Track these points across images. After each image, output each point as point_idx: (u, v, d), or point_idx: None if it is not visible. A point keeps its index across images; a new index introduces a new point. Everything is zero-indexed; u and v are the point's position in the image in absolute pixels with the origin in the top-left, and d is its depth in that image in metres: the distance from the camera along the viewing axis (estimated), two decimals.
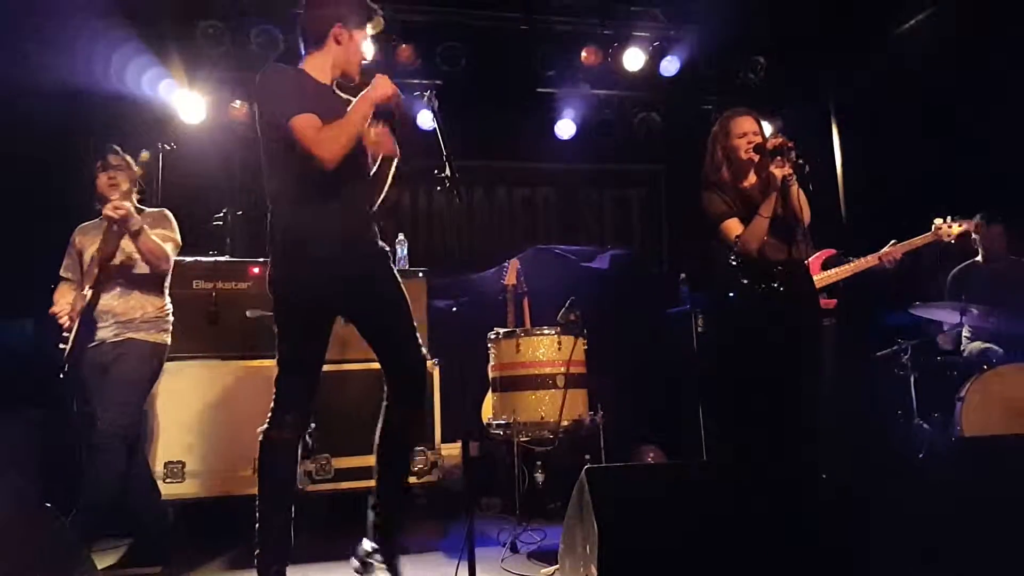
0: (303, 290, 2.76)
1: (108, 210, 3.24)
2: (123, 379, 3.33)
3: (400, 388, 2.92)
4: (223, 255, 4.54)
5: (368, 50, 3.23)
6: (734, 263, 3.29)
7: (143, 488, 3.48)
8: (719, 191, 3.36)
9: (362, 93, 2.80)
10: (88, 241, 3.52)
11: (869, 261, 4.03)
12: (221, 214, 4.77)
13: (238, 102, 5.58)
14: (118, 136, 4.75)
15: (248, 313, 4.21)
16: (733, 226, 3.28)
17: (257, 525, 2.75)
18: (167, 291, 3.61)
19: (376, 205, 3.02)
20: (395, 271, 2.96)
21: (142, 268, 3.44)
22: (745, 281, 3.27)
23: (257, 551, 2.73)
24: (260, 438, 2.81)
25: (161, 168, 4.99)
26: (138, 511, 3.43)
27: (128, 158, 3.52)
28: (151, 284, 3.51)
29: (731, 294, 3.31)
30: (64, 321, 3.37)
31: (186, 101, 5.39)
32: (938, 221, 4.06)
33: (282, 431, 2.78)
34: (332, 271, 2.74)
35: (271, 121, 2.73)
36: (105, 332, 3.39)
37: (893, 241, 4.06)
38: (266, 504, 2.76)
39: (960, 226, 4.06)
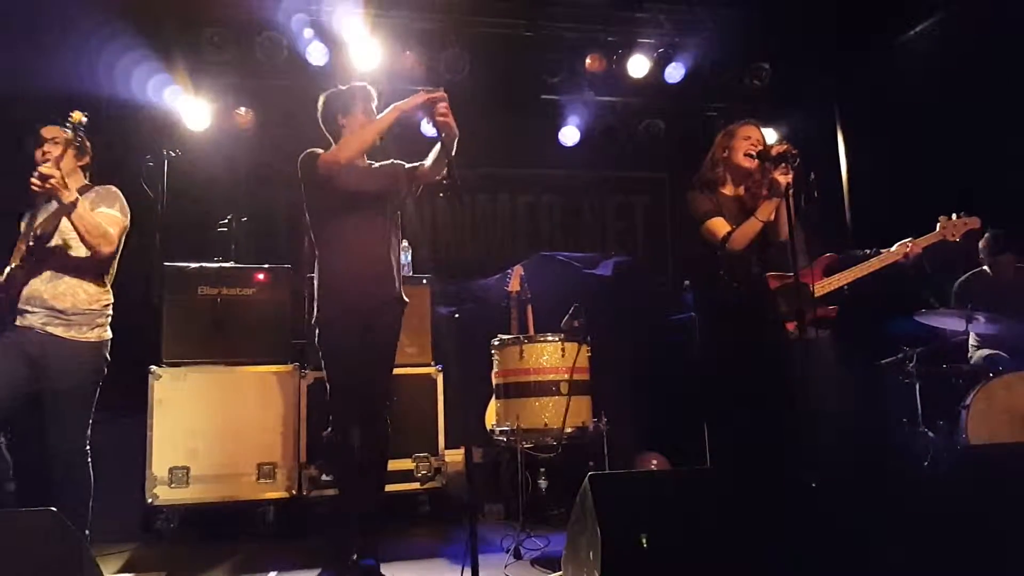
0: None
1: (33, 179, 2.86)
2: (72, 394, 3.06)
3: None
4: (228, 261, 4.56)
5: (375, 55, 3.44)
6: (720, 265, 3.29)
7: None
8: (707, 190, 3.37)
9: (394, 104, 3.08)
10: (28, 218, 3.23)
11: (888, 258, 3.91)
12: (226, 220, 4.79)
13: (242, 108, 5.61)
14: (123, 142, 4.80)
15: None
16: (719, 224, 3.27)
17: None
18: (108, 280, 3.23)
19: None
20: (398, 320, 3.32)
21: (80, 251, 3.08)
22: (735, 284, 3.27)
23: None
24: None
25: (166, 174, 5.03)
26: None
27: (63, 127, 3.10)
28: (87, 270, 3.12)
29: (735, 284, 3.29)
30: None
31: (191, 108, 5.41)
32: (943, 219, 4.01)
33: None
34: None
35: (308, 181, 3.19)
36: (33, 319, 3.05)
37: (908, 239, 3.99)
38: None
39: (965, 224, 4.00)
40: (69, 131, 3.07)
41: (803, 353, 3.18)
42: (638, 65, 5.99)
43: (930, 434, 4.40)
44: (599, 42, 6.00)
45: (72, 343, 3.06)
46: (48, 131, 3.12)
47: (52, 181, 2.84)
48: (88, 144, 3.22)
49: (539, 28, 5.89)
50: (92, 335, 3.12)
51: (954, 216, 3.96)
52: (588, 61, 5.95)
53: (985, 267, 4.84)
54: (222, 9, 5.33)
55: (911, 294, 4.63)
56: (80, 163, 3.21)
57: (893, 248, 3.91)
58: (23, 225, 3.25)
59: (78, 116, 3.06)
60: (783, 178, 3.13)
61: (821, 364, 3.66)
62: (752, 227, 3.19)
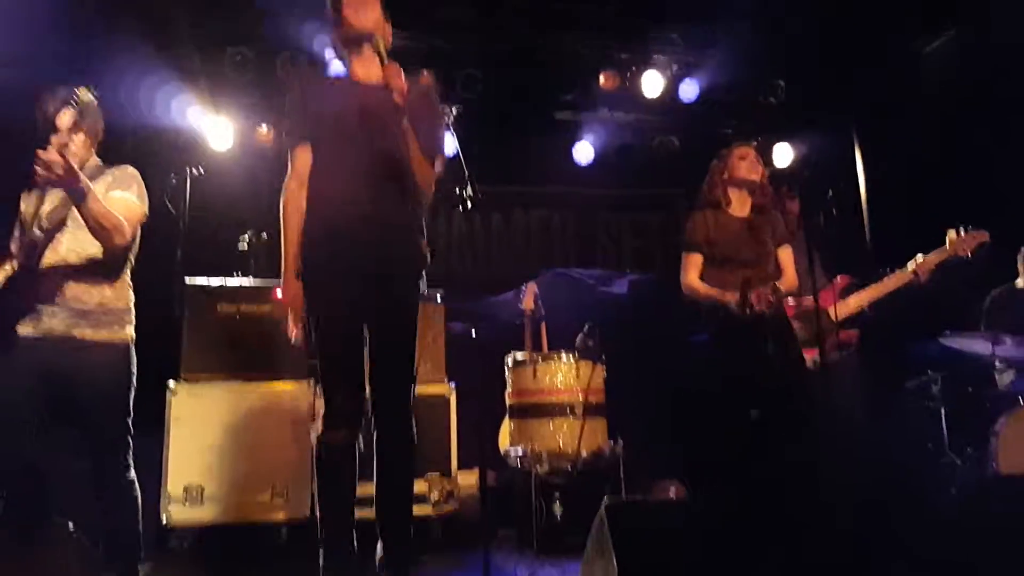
0: None
1: (37, 166, 2.48)
2: (112, 403, 2.80)
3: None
4: (247, 278, 4.58)
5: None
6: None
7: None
8: (710, 208, 3.40)
9: None
10: (31, 200, 2.83)
11: (901, 279, 3.88)
12: (246, 237, 4.83)
13: (264, 127, 5.65)
14: (147, 160, 4.83)
15: None
16: (693, 263, 3.35)
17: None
18: (128, 276, 2.93)
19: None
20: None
21: (94, 249, 2.75)
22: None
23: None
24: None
25: (189, 192, 5.07)
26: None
27: (75, 98, 2.78)
28: (107, 268, 2.81)
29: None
30: None
31: (214, 127, 5.46)
32: (951, 234, 3.93)
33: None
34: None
35: None
36: (54, 321, 2.70)
37: (918, 256, 3.93)
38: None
39: (974, 238, 3.93)
40: (77, 105, 2.76)
41: (825, 378, 3.16)
42: (652, 83, 5.98)
43: (957, 461, 4.28)
44: (613, 60, 6.00)
45: (105, 346, 2.76)
46: (63, 118, 2.75)
47: (58, 169, 2.48)
48: (100, 121, 2.93)
49: (553, 47, 5.90)
50: (124, 335, 2.84)
51: (962, 231, 3.89)
52: (602, 79, 5.95)
53: (1017, 282, 4.69)
54: (244, 30, 5.38)
55: (936, 314, 4.55)
56: (93, 143, 2.91)
57: (907, 267, 3.87)
58: (24, 208, 2.84)
59: (84, 93, 2.81)
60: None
61: (844, 388, 3.63)
62: (711, 299, 3.28)
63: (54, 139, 2.71)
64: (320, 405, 2.68)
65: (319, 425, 2.67)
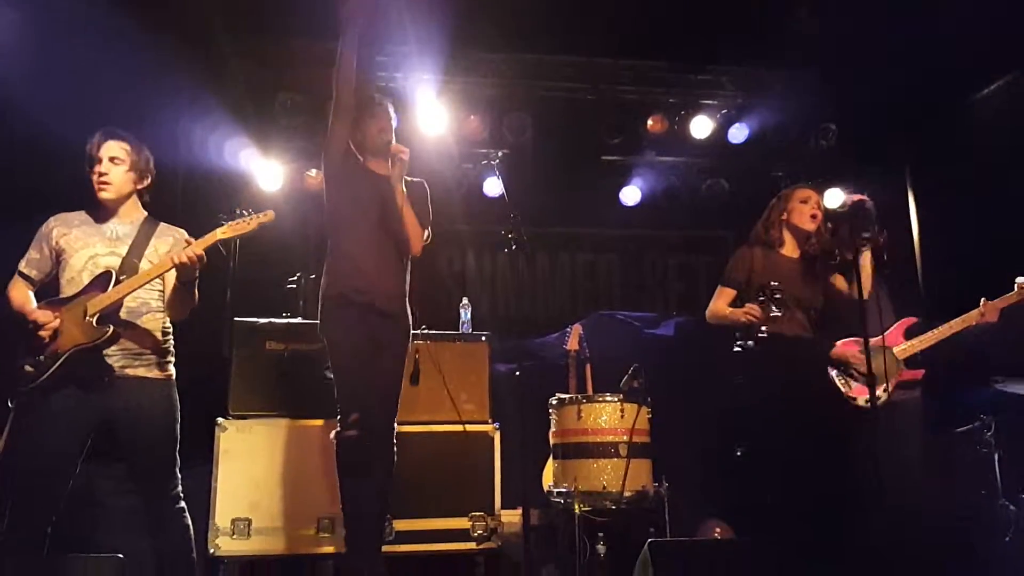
0: None
1: (179, 255, 2.76)
2: (164, 436, 2.92)
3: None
4: (296, 317, 4.67)
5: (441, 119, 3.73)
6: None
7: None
8: (762, 247, 3.38)
9: None
10: (73, 242, 2.92)
11: (965, 321, 3.83)
12: (295, 278, 4.94)
13: (313, 171, 5.81)
14: (199, 200, 5.01)
15: None
16: (724, 295, 3.33)
17: None
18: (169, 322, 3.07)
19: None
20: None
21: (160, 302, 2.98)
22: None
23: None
24: None
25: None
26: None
27: (127, 145, 2.93)
28: (153, 311, 2.98)
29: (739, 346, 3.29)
30: (45, 334, 2.76)
31: (263, 169, 5.63)
32: (1021, 279, 3.90)
33: None
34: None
35: None
36: (109, 362, 2.84)
37: (983, 300, 3.90)
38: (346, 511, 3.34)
39: None
40: (130, 146, 2.93)
41: (890, 416, 3.12)
42: (701, 126, 6.01)
43: (1012, 507, 4.17)
44: (661, 104, 6.05)
45: (158, 382, 2.92)
46: (108, 148, 2.92)
47: (197, 262, 2.81)
48: (152, 164, 3.04)
49: (601, 91, 5.99)
50: (169, 371, 3.00)
51: None
52: (650, 123, 6.00)
53: None
54: (295, 74, 5.58)
55: (993, 361, 4.45)
56: (140, 186, 3.01)
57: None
58: (55, 233, 2.94)
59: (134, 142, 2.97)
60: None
61: (906, 428, 3.57)
62: (725, 319, 3.37)
63: (96, 168, 2.90)
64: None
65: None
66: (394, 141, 3.37)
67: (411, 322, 3.47)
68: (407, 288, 3.46)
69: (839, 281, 3.42)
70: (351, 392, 3.25)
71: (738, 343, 3.26)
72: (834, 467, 2.99)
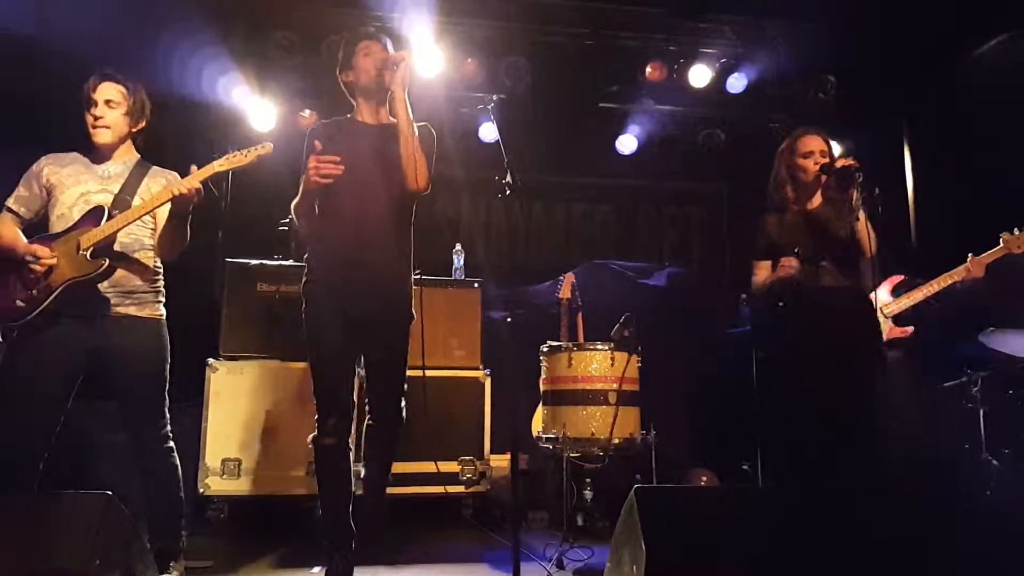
0: None
1: (178, 186, 2.74)
2: (158, 377, 2.92)
3: None
4: (288, 259, 4.65)
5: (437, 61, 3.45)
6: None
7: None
8: (780, 214, 3.31)
9: None
10: (65, 179, 2.90)
11: (951, 277, 3.84)
12: (287, 220, 4.89)
13: (307, 111, 5.72)
14: (190, 136, 4.93)
15: None
16: (760, 268, 3.30)
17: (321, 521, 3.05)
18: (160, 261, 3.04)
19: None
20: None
21: (152, 238, 2.96)
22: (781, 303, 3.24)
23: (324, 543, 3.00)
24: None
25: (231, 173, 5.15)
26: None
27: (124, 88, 2.90)
28: (145, 247, 2.97)
29: (780, 303, 3.25)
30: (40, 268, 2.73)
31: (257, 108, 5.53)
32: (1005, 234, 3.90)
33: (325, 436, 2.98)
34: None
35: None
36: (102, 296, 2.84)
37: (970, 255, 3.90)
38: (323, 502, 3.07)
39: None
40: (126, 89, 2.90)
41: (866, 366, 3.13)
42: (699, 75, 5.92)
43: (994, 462, 4.23)
44: (660, 51, 5.94)
45: (149, 322, 2.91)
46: (104, 90, 2.89)
47: (196, 196, 2.78)
48: (147, 105, 3.01)
49: (600, 37, 5.87)
50: (160, 311, 2.98)
51: (1016, 231, 3.86)
52: (648, 70, 5.89)
53: None
54: (292, 13, 5.45)
55: (983, 317, 4.47)
56: (134, 129, 3.00)
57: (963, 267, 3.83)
58: (46, 171, 2.92)
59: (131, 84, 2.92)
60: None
61: (893, 384, 3.58)
62: (766, 283, 3.26)
63: (92, 111, 2.88)
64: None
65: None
66: (396, 80, 2.99)
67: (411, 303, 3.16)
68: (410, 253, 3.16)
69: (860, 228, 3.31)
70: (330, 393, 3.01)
71: (779, 302, 3.23)
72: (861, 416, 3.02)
